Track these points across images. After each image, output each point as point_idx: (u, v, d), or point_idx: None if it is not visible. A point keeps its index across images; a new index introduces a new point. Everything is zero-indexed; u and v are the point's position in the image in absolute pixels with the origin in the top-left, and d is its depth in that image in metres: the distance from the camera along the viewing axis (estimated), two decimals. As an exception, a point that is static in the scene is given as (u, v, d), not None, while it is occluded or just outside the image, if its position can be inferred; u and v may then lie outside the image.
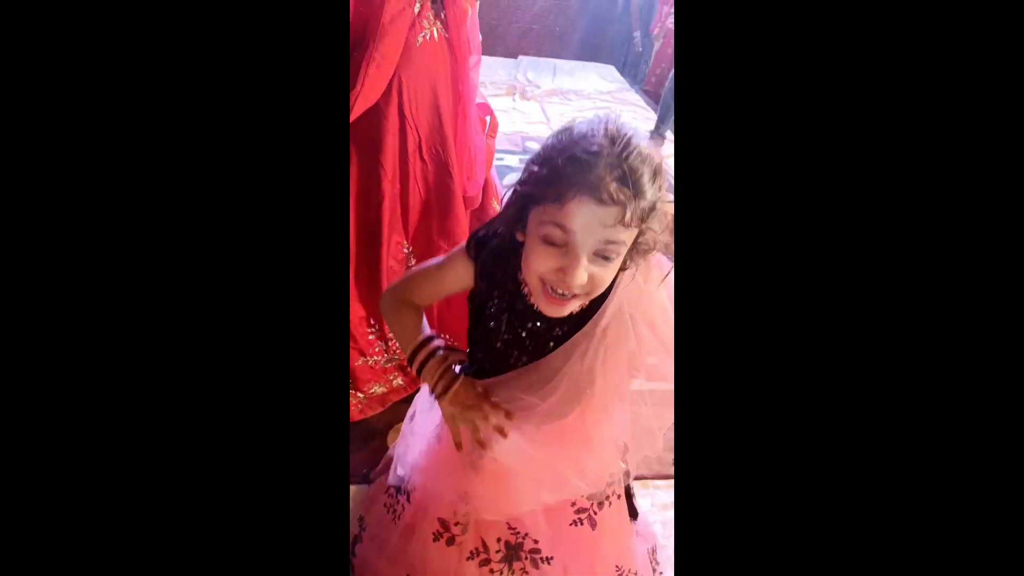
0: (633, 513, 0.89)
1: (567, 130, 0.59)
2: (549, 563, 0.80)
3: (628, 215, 0.55)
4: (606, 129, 0.57)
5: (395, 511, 0.86)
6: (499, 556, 0.80)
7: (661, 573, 0.97)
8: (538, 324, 0.69)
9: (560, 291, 0.59)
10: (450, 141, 1.15)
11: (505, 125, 3.03)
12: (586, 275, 0.58)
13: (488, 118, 1.26)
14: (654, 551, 0.98)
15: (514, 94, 3.51)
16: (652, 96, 3.91)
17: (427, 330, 0.76)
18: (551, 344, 0.70)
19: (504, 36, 4.02)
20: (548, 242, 0.57)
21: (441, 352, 0.73)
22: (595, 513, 0.81)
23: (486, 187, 1.27)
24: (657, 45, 3.90)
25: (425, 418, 0.84)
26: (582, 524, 0.80)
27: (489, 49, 3.83)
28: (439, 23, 1.09)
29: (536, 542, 0.80)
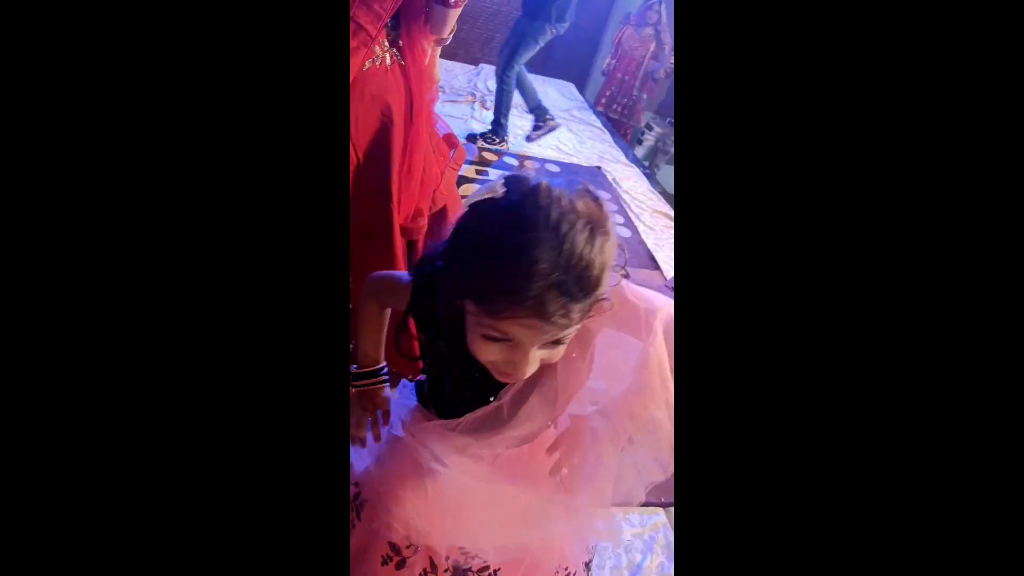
0: None
1: (490, 205, 0.49)
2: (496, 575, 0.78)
3: (576, 318, 0.49)
4: (547, 213, 0.46)
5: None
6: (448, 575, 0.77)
7: None
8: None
9: (509, 376, 0.55)
10: (395, 169, 1.10)
11: (461, 132, 3.00)
12: (537, 363, 0.53)
13: (454, 151, 1.22)
14: (588, 564, 0.96)
15: (473, 102, 3.47)
16: (604, 116, 3.97)
17: (382, 359, 0.81)
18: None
19: (466, 41, 3.97)
20: (489, 339, 0.51)
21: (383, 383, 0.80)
22: None
23: (445, 216, 1.23)
24: (613, 64, 3.97)
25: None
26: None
27: (450, 53, 3.77)
28: (395, 50, 1.03)
29: (486, 562, 0.77)
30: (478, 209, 0.50)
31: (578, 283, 0.47)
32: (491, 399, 0.66)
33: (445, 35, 1.04)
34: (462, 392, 0.68)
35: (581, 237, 0.46)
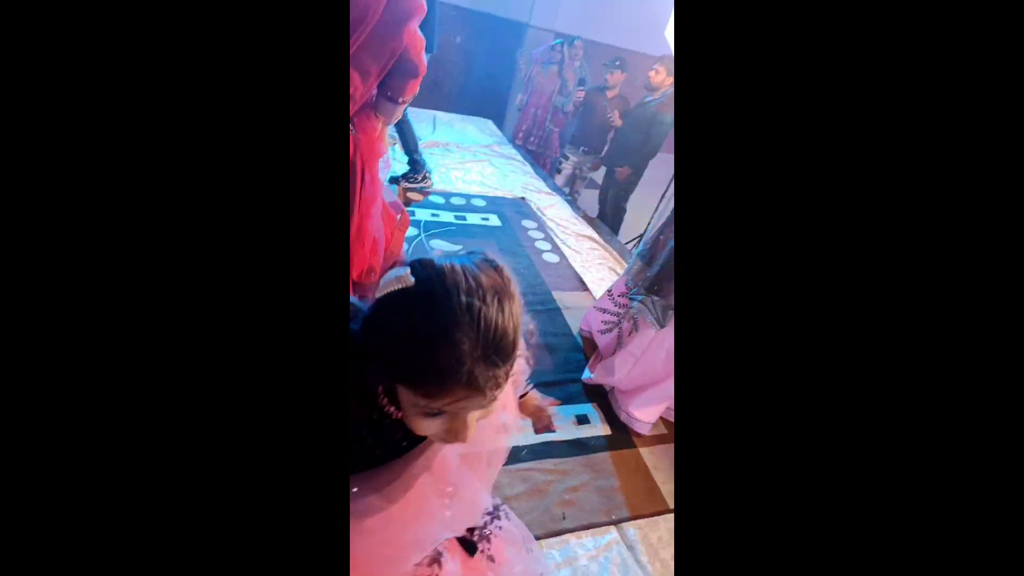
0: (470, 549, 0.84)
1: (402, 296, 0.51)
2: None
3: (504, 381, 0.53)
4: (457, 296, 0.49)
5: None
6: None
7: None
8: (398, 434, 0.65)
9: (452, 441, 0.58)
10: (353, 226, 1.21)
11: (384, 174, 3.08)
12: (475, 424, 0.57)
13: (399, 215, 1.35)
14: None
15: (394, 143, 3.56)
16: (524, 149, 4.20)
17: None
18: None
19: (384, 84, 4.06)
20: (427, 415, 0.54)
21: None
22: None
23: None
24: (525, 100, 4.23)
25: None
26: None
27: (369, 96, 3.85)
28: (351, 126, 1.16)
29: None
30: (392, 301, 0.51)
31: (498, 352, 0.51)
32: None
33: (392, 121, 1.19)
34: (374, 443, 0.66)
35: (492, 310, 0.50)
